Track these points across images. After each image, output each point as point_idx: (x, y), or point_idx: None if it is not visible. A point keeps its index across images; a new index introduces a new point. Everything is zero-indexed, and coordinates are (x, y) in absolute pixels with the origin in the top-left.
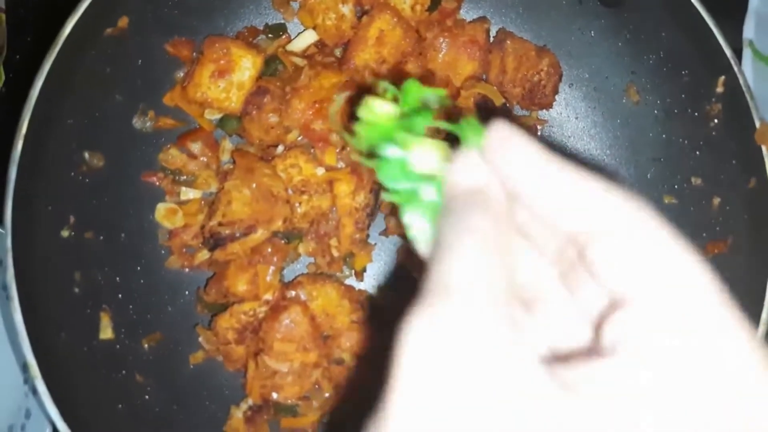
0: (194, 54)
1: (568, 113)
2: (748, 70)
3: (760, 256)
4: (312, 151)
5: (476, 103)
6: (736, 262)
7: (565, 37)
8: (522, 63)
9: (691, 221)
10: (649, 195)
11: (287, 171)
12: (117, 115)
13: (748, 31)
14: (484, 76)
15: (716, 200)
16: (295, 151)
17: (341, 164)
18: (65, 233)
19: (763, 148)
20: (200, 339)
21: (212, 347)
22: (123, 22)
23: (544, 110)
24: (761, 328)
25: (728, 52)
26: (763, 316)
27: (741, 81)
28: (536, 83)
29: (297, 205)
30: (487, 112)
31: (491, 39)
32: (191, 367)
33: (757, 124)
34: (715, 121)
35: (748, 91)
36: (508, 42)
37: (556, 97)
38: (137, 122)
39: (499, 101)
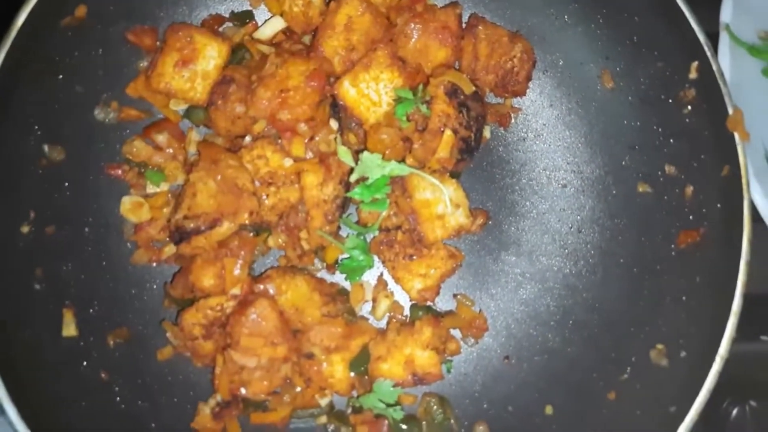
0: (157, 43)
1: (542, 101)
2: (724, 54)
3: (732, 246)
4: (279, 141)
5: (446, 92)
6: (709, 252)
7: (538, 22)
8: (494, 49)
9: (665, 210)
10: (624, 183)
11: (254, 162)
12: (78, 106)
13: (726, 14)
14: (456, 64)
15: (689, 189)
16: (262, 142)
17: (309, 154)
18: (25, 229)
19: (736, 135)
20: (168, 335)
21: (180, 343)
22: (80, 11)
23: (518, 98)
24: (732, 319)
25: (702, 37)
26: (734, 306)
27: (714, 67)
28: (509, 70)
29: (264, 197)
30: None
31: (463, 25)
32: (159, 362)
33: (730, 110)
34: (689, 107)
35: (722, 77)
36: (480, 27)
37: (530, 84)
38: (99, 113)
39: (469, 90)
